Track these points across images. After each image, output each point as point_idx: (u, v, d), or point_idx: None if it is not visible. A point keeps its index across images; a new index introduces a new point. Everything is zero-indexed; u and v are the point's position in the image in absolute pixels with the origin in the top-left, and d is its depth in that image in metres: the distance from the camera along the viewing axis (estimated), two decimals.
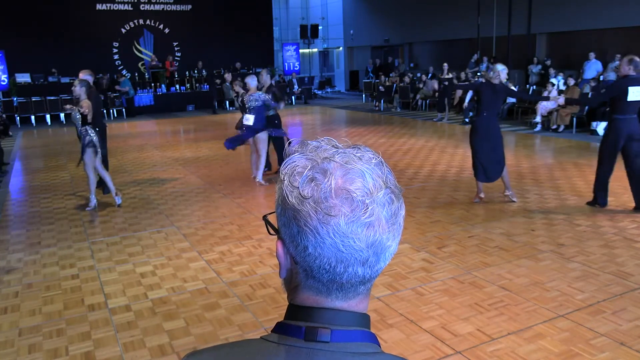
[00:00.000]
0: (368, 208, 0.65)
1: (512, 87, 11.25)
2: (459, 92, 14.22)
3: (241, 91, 7.89)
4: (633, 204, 5.85)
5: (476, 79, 12.99)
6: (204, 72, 19.42)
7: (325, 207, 0.64)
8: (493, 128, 6.14)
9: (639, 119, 5.76)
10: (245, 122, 7.31)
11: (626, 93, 5.56)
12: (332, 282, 0.68)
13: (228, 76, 13.80)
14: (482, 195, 6.37)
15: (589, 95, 11.34)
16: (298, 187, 0.66)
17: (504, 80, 6.10)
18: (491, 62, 16.60)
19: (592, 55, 13.75)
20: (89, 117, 6.35)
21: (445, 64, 16.09)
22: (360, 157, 0.68)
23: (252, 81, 7.37)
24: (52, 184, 8.18)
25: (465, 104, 13.18)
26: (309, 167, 0.66)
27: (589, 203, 6.14)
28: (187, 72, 19.62)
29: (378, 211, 0.66)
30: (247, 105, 7.32)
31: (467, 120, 13.05)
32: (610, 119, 5.85)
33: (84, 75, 7.14)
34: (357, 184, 0.65)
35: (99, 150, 6.53)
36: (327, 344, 0.67)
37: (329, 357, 0.67)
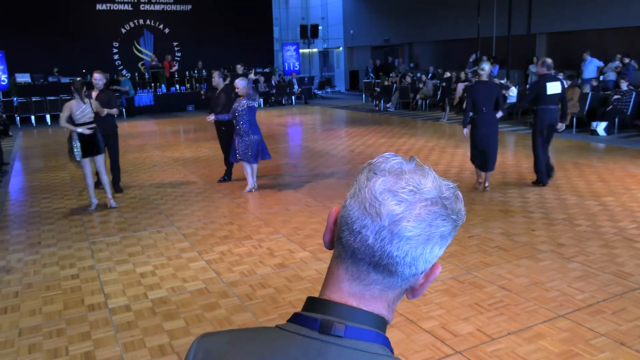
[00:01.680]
0: (408, 189, 0.68)
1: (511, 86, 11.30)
2: (459, 92, 14.23)
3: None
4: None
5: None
6: (204, 72, 19.41)
7: (377, 169, 0.70)
8: (488, 122, 6.63)
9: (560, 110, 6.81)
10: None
11: (545, 88, 6.61)
12: (348, 247, 0.70)
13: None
14: (480, 180, 6.95)
15: (589, 96, 11.36)
16: (370, 162, 0.73)
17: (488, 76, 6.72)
18: (491, 61, 16.62)
19: (586, 55, 13.75)
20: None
21: (440, 70, 16.09)
22: (441, 178, 0.72)
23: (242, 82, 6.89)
24: (52, 184, 8.18)
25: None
26: (391, 156, 0.73)
27: (534, 183, 7.04)
28: (187, 72, 19.63)
29: (416, 200, 0.67)
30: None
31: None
32: (535, 110, 6.91)
33: (100, 74, 7.23)
34: (415, 175, 0.69)
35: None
36: (340, 338, 0.69)
37: (340, 352, 0.68)
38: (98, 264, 4.84)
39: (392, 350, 0.73)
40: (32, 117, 16.20)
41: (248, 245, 5.20)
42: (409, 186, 0.68)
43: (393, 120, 14.54)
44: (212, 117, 7.31)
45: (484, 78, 6.63)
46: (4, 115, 14.41)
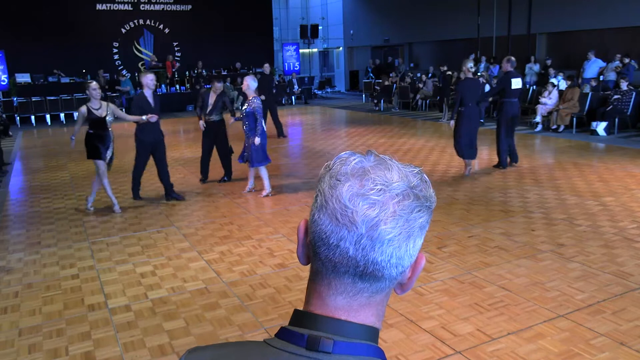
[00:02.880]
0: (377, 189, 0.64)
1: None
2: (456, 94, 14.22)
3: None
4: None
5: (478, 78, 12.99)
6: (204, 72, 19.42)
7: (338, 175, 0.66)
8: (475, 115, 7.55)
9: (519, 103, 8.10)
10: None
11: (510, 83, 7.75)
12: (328, 263, 0.67)
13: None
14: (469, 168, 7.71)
15: (589, 95, 11.36)
16: (328, 165, 0.70)
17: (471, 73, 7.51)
18: (491, 61, 16.62)
19: (591, 54, 13.75)
20: None
21: (442, 67, 16.09)
22: (403, 165, 0.69)
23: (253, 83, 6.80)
24: (52, 184, 8.18)
25: None
26: (349, 155, 0.69)
27: (495, 166, 8.10)
28: (187, 72, 19.63)
29: (387, 198, 0.64)
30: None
31: None
32: (501, 103, 7.99)
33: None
34: (379, 171, 0.66)
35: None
36: (329, 355, 0.66)
37: None
38: (98, 264, 4.84)
39: (385, 358, 0.71)
40: (32, 117, 16.20)
41: (248, 245, 5.20)
42: (377, 185, 0.65)
43: (393, 120, 14.54)
44: (232, 121, 7.40)
45: (470, 75, 7.49)
46: (4, 115, 14.41)
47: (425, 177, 0.70)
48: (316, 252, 0.68)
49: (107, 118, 6.15)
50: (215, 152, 7.77)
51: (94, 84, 6.18)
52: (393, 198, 0.65)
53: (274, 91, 11.70)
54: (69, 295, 4.20)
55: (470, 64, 7.44)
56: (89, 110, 6.07)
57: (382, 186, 0.65)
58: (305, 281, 4.26)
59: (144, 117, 6.33)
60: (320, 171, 0.71)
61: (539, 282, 4.09)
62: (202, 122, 7.52)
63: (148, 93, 6.49)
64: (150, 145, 6.63)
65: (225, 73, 19.96)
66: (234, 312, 3.81)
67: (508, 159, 8.11)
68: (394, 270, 0.67)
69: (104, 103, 6.21)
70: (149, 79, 6.46)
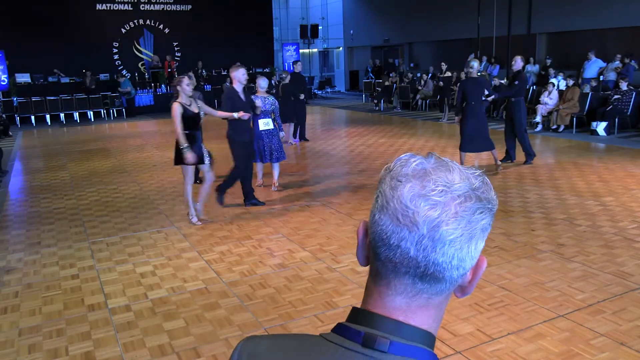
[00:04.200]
0: (438, 190, 0.64)
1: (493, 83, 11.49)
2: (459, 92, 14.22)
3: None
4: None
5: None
6: (204, 72, 19.41)
7: (399, 176, 0.67)
8: (479, 112, 7.65)
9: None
10: (265, 127, 6.88)
11: (527, 82, 8.01)
12: (388, 263, 0.67)
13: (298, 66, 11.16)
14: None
15: (589, 96, 11.35)
16: (389, 166, 0.70)
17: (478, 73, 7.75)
18: (491, 61, 16.63)
19: (591, 54, 13.75)
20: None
21: (443, 63, 16.09)
22: (465, 168, 0.69)
23: (263, 83, 6.94)
24: (52, 184, 8.18)
25: None
26: (411, 157, 0.70)
27: (503, 160, 8.33)
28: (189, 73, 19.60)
29: (449, 199, 0.64)
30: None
31: None
32: (517, 101, 8.08)
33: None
34: (440, 172, 0.66)
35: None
36: (385, 354, 0.66)
37: None
38: (98, 264, 4.84)
39: None
40: (32, 117, 16.20)
41: (248, 245, 5.20)
42: (438, 187, 0.65)
43: (393, 120, 14.54)
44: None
45: (474, 75, 7.63)
46: (4, 115, 14.41)
47: (487, 179, 0.70)
48: (376, 252, 0.68)
49: (200, 114, 5.62)
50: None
51: (186, 78, 5.65)
52: (455, 199, 0.65)
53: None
54: (69, 295, 4.20)
55: (474, 63, 7.55)
56: (183, 108, 5.48)
57: (444, 187, 0.65)
58: (305, 281, 4.26)
59: (235, 114, 5.87)
60: (380, 173, 0.71)
61: (539, 282, 4.09)
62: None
63: (239, 88, 6.06)
64: (246, 145, 6.22)
65: (225, 73, 19.96)
66: (234, 312, 3.81)
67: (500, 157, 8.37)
68: (455, 272, 0.67)
69: (191, 98, 5.65)
70: (240, 73, 6.00)
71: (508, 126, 8.38)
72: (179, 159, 5.64)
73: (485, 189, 0.68)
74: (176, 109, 5.47)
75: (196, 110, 5.58)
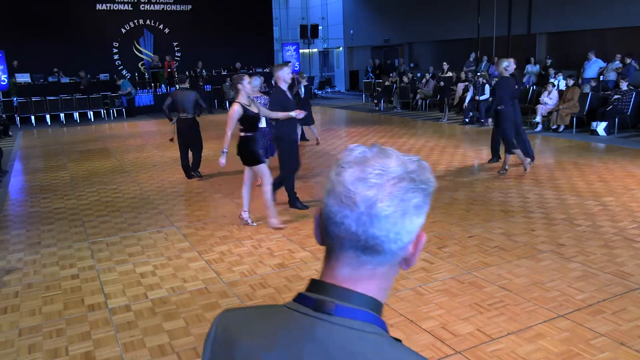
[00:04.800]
0: (375, 173, 0.74)
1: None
2: (459, 92, 14.22)
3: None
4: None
5: (477, 79, 12.98)
6: (204, 72, 19.42)
7: (343, 163, 0.77)
8: (514, 112, 7.59)
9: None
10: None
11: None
12: (335, 238, 0.77)
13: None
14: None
15: (589, 95, 11.35)
16: (340, 155, 0.80)
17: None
18: (492, 61, 16.61)
19: (591, 54, 13.74)
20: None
21: (445, 63, 16.10)
22: (404, 155, 0.79)
23: (255, 82, 7.13)
24: (52, 184, 8.18)
25: (466, 104, 13.18)
26: (357, 146, 0.79)
27: (490, 161, 8.37)
28: (187, 72, 19.61)
29: (385, 181, 0.74)
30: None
31: (467, 120, 13.04)
32: (512, 104, 7.67)
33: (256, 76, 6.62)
34: (379, 159, 0.76)
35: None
36: (331, 316, 0.75)
37: (329, 329, 0.75)
38: (98, 264, 4.84)
39: (386, 330, 0.78)
40: (32, 117, 16.19)
41: (248, 245, 5.20)
42: (376, 170, 0.74)
43: (393, 120, 14.54)
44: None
45: (507, 74, 7.44)
46: (4, 115, 14.41)
47: (424, 163, 0.79)
48: (327, 230, 0.78)
49: (259, 115, 5.52)
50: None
51: (246, 76, 5.50)
52: (390, 180, 0.74)
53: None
54: (69, 295, 4.20)
55: (506, 63, 7.38)
56: (243, 109, 5.31)
57: (380, 171, 0.74)
58: (305, 281, 4.26)
59: (292, 113, 5.75)
60: (335, 164, 0.80)
61: (539, 282, 4.09)
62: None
63: (285, 87, 5.95)
64: (293, 143, 6.02)
65: (225, 73, 19.97)
66: None
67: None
68: (394, 245, 0.76)
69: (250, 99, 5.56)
70: (285, 72, 5.87)
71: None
72: (251, 160, 5.49)
73: (420, 172, 0.77)
74: (236, 110, 5.29)
75: (256, 111, 5.46)
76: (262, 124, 6.99)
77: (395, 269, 0.80)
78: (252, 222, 5.78)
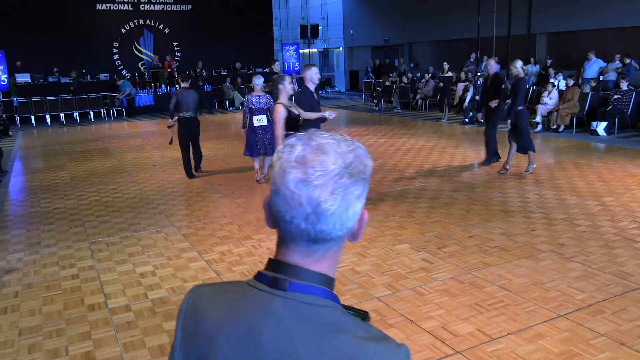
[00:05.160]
0: (317, 174, 0.79)
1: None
2: (459, 92, 14.22)
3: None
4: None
5: (478, 79, 12.98)
6: (204, 72, 19.41)
7: (286, 166, 0.82)
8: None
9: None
10: (259, 123, 7.32)
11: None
12: (287, 232, 0.84)
13: (276, 66, 11.16)
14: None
15: (589, 95, 11.35)
16: (279, 152, 0.85)
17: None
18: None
19: (591, 54, 13.74)
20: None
21: (446, 63, 16.09)
22: (337, 142, 0.83)
23: (258, 81, 7.51)
24: (52, 184, 8.18)
25: (466, 104, 13.18)
26: (295, 143, 0.84)
27: (488, 162, 8.25)
28: (187, 72, 19.59)
29: (326, 180, 0.80)
30: (254, 107, 7.38)
31: (467, 120, 13.04)
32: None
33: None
34: (318, 157, 0.81)
35: None
36: (286, 292, 0.83)
37: (284, 303, 0.83)
38: (98, 264, 4.84)
39: (338, 302, 0.86)
40: (32, 117, 16.19)
41: (248, 245, 5.20)
42: (317, 172, 0.79)
43: (393, 120, 14.54)
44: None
45: (522, 74, 7.50)
46: (4, 115, 14.41)
47: (360, 151, 0.85)
48: (278, 224, 0.85)
49: (299, 116, 5.47)
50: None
51: (288, 77, 5.37)
52: (331, 179, 0.80)
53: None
54: (69, 295, 4.20)
55: (520, 63, 7.43)
56: (287, 111, 5.28)
57: (321, 171, 0.80)
58: None
59: (326, 114, 5.73)
60: (273, 157, 0.85)
61: (539, 282, 4.09)
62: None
63: (313, 88, 5.94)
64: None
65: (225, 73, 19.97)
66: None
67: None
68: (340, 232, 0.83)
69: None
70: (313, 73, 5.85)
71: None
72: None
73: (357, 163, 0.83)
74: (282, 111, 5.26)
75: (297, 112, 5.41)
76: (264, 121, 7.35)
77: (342, 246, 0.88)
78: None
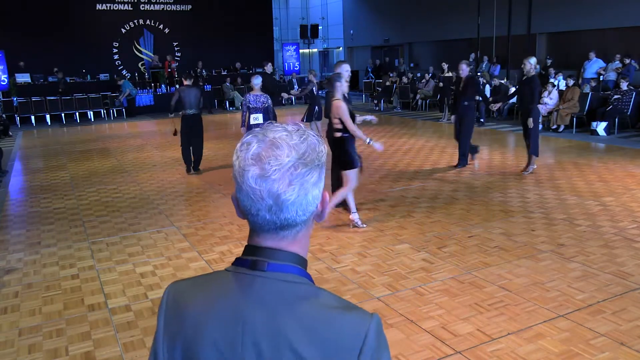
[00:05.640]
0: (273, 169, 0.85)
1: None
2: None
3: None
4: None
5: (477, 79, 12.96)
6: (204, 72, 19.41)
7: (244, 164, 0.88)
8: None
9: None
10: (255, 122, 7.53)
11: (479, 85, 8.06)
12: (255, 223, 0.91)
13: (268, 67, 11.06)
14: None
15: (589, 95, 11.35)
16: (237, 150, 0.90)
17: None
18: (493, 61, 16.61)
19: (592, 54, 13.74)
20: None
21: (445, 63, 16.08)
22: (290, 134, 0.88)
23: (256, 81, 7.63)
24: (52, 184, 8.18)
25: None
26: (251, 140, 0.89)
27: (460, 165, 8.11)
28: (189, 71, 19.58)
29: (282, 173, 0.86)
30: (251, 105, 7.59)
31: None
32: (469, 105, 7.87)
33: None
34: (272, 152, 0.86)
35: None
36: (265, 272, 0.90)
37: (264, 282, 0.89)
38: (98, 264, 4.84)
39: (312, 281, 0.93)
40: (32, 117, 16.19)
41: None
42: (272, 167, 0.85)
43: (393, 120, 14.53)
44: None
45: (533, 73, 7.36)
46: (4, 115, 14.41)
47: (311, 139, 0.90)
48: (246, 217, 0.92)
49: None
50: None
51: (345, 75, 5.33)
52: (287, 171, 0.86)
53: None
54: (69, 295, 4.20)
55: (534, 60, 7.37)
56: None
57: (277, 166, 0.86)
58: None
59: (367, 117, 5.70)
60: (233, 156, 0.91)
61: (539, 282, 4.09)
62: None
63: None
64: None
65: (225, 73, 19.96)
66: None
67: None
68: (304, 216, 0.90)
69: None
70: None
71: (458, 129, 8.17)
72: (345, 163, 5.23)
73: (309, 152, 0.88)
74: (343, 105, 5.07)
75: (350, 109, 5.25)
76: (260, 120, 7.55)
77: (311, 227, 0.96)
78: (362, 224, 5.49)
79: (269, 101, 7.61)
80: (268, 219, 0.89)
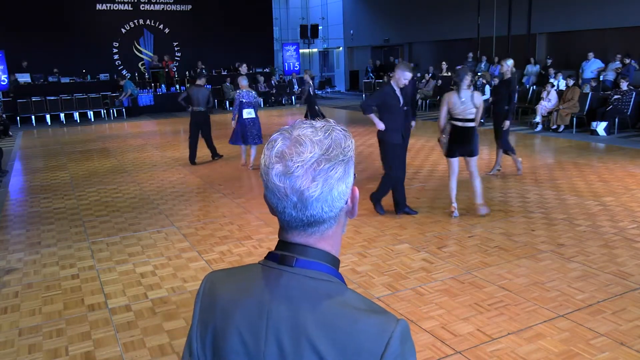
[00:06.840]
0: (295, 166, 0.86)
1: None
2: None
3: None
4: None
5: (477, 79, 12.98)
6: (204, 72, 19.39)
7: (269, 163, 0.89)
8: None
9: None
10: (248, 116, 8.38)
11: None
12: (283, 220, 0.92)
13: (243, 68, 11.47)
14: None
15: (589, 95, 11.35)
16: (265, 148, 0.91)
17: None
18: (493, 61, 16.61)
19: (590, 55, 13.74)
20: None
21: (444, 63, 16.09)
22: (315, 130, 0.88)
23: (244, 82, 8.51)
24: (52, 184, 8.18)
25: None
26: (276, 138, 0.90)
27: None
28: (187, 72, 19.61)
29: (306, 170, 0.86)
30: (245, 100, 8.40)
31: None
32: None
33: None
34: (295, 149, 0.87)
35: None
36: (292, 268, 0.91)
37: (291, 278, 0.90)
38: (98, 264, 4.84)
39: (343, 281, 0.93)
40: (32, 117, 16.19)
41: (248, 245, 5.20)
42: (296, 163, 0.86)
43: None
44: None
45: (509, 75, 7.44)
46: (4, 115, 14.41)
47: (336, 133, 0.89)
48: (275, 214, 0.94)
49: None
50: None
51: (471, 73, 5.51)
52: (310, 167, 0.86)
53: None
54: (69, 295, 4.20)
55: (511, 62, 7.44)
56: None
57: (300, 163, 0.86)
58: None
59: (413, 123, 5.84)
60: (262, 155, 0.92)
61: (539, 282, 4.09)
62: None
63: (395, 87, 5.59)
64: (397, 147, 5.72)
65: (225, 73, 19.96)
66: None
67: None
68: (332, 213, 0.90)
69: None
70: (403, 74, 5.47)
71: None
72: (474, 149, 5.64)
73: (334, 147, 0.88)
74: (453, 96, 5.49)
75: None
76: (252, 114, 8.36)
77: (342, 225, 0.96)
78: (456, 213, 5.80)
79: (258, 97, 8.57)
80: (294, 216, 0.89)
